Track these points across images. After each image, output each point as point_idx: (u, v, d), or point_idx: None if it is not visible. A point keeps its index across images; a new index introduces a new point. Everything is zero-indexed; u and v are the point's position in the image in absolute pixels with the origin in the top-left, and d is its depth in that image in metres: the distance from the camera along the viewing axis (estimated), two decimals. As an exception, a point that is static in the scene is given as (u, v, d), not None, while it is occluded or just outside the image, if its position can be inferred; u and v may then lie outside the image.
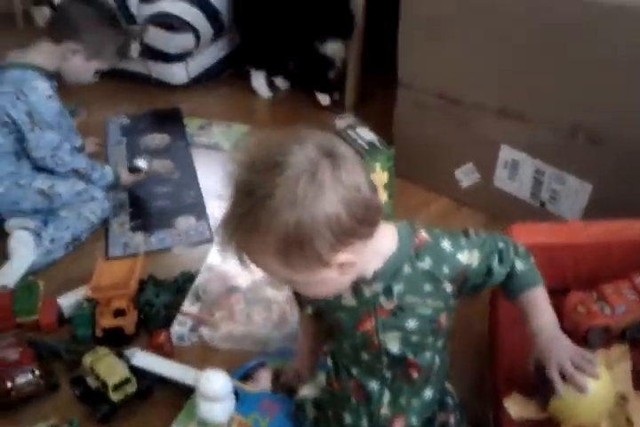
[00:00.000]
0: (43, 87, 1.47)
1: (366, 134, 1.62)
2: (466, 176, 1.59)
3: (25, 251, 1.39)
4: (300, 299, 0.95)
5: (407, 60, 1.59)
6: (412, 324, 0.82)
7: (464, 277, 0.81)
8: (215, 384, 0.99)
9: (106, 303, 1.22)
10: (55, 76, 1.56)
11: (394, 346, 0.84)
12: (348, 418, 0.90)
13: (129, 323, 1.22)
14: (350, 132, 1.64)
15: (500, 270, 0.83)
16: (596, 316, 0.99)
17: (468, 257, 0.80)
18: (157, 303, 1.27)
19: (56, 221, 1.47)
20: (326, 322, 0.92)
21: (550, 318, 0.84)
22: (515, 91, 1.39)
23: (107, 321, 1.21)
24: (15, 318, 1.24)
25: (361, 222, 0.69)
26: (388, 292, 0.80)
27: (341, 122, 1.68)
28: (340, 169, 0.67)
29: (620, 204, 1.27)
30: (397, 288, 0.79)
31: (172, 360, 1.16)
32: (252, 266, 0.74)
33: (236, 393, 1.02)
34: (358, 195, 0.68)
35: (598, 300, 1.01)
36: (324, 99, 2.15)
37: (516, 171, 1.47)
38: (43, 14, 2.38)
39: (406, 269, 0.79)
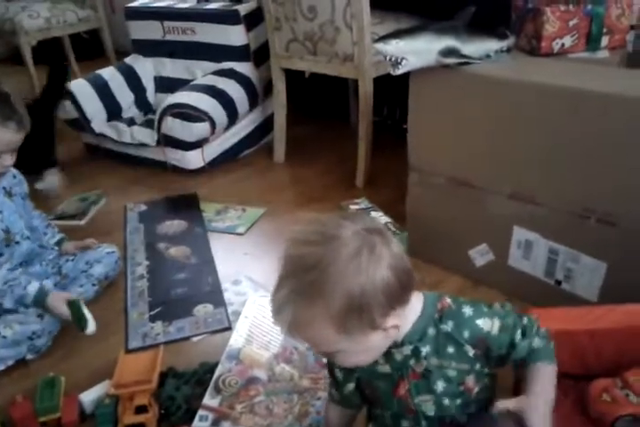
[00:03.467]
0: None
1: (380, 218, 1.66)
2: (480, 256, 1.61)
3: None
4: (338, 380, 0.97)
5: (417, 146, 1.65)
6: (440, 386, 0.86)
7: (486, 345, 0.85)
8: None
9: (128, 399, 1.22)
10: None
11: (430, 410, 0.87)
12: None
13: (150, 419, 1.21)
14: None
15: (522, 344, 0.86)
16: (623, 405, 0.98)
17: (488, 324, 0.85)
18: (178, 397, 1.26)
19: None
20: (367, 396, 0.96)
21: (548, 396, 0.85)
22: (524, 176, 1.42)
23: (128, 418, 1.20)
24: (39, 417, 1.23)
25: (404, 288, 0.77)
26: (416, 354, 0.84)
27: (355, 206, 1.72)
28: (389, 243, 0.77)
29: (636, 282, 1.28)
30: (425, 350, 0.84)
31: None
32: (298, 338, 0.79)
33: None
34: (403, 263, 0.77)
35: (623, 387, 1.00)
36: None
37: (529, 250, 1.49)
38: (63, 108, 2.51)
39: (431, 331, 0.84)
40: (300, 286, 0.74)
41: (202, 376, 1.33)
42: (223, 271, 1.78)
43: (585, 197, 1.34)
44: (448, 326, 0.84)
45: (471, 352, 0.84)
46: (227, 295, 1.66)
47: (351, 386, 0.96)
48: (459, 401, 0.88)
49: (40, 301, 1.45)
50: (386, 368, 0.88)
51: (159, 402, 1.26)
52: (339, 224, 0.76)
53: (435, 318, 0.84)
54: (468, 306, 0.86)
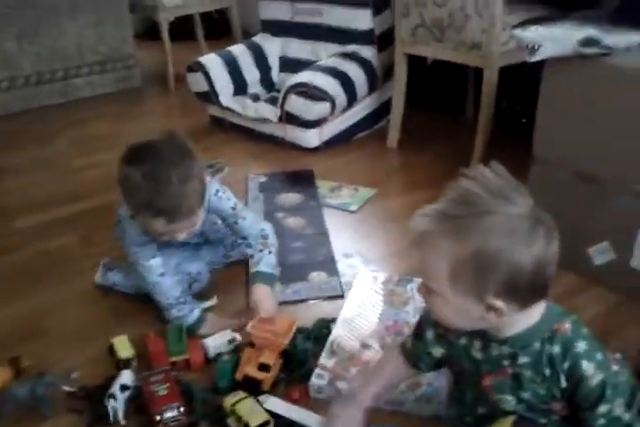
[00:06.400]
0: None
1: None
2: (599, 254, 1.57)
3: None
4: (425, 339, 0.99)
5: (544, 138, 1.63)
6: (525, 396, 0.86)
7: (576, 387, 0.81)
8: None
9: (256, 350, 1.29)
10: None
11: (508, 406, 0.88)
12: None
13: (268, 379, 1.26)
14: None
15: (600, 420, 0.82)
16: None
17: (591, 371, 0.81)
18: (303, 353, 1.33)
19: None
20: (451, 372, 1.00)
21: None
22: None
23: (250, 370, 1.26)
24: (170, 357, 1.35)
25: (531, 290, 0.77)
26: (513, 359, 0.85)
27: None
28: (552, 238, 0.78)
29: None
30: (522, 359, 0.84)
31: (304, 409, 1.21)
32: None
33: None
34: (548, 266, 0.77)
35: None
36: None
37: (656, 252, 1.45)
38: (195, 80, 2.66)
39: (536, 345, 0.83)
40: (450, 214, 0.75)
41: (319, 332, 1.41)
42: (335, 244, 1.85)
43: None
44: (554, 349, 0.82)
45: (564, 384, 0.82)
46: (339, 266, 1.73)
47: (437, 351, 0.97)
48: (542, 414, 0.86)
49: (193, 329, 1.47)
50: (478, 355, 0.88)
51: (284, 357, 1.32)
52: (514, 192, 0.77)
53: (545, 335, 0.82)
54: (585, 342, 0.82)
